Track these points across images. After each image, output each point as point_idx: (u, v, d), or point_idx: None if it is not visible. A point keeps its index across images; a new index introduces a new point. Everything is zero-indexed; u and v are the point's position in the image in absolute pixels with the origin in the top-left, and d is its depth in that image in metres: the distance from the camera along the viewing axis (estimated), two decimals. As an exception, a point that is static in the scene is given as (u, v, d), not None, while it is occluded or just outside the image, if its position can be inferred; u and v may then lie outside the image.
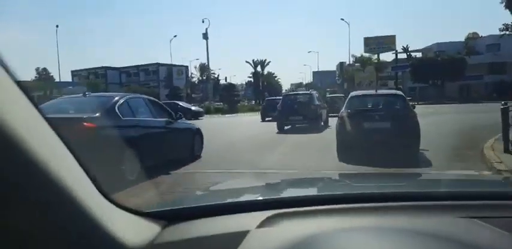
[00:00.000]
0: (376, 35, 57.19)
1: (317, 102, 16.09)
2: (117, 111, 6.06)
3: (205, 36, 34.73)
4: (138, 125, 6.42)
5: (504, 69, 45.55)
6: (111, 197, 0.90)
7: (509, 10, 23.86)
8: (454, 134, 10.82)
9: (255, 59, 69.46)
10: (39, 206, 0.67)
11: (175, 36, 58.88)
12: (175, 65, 60.05)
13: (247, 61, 69.35)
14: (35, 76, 65.97)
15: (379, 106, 8.77)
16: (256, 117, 24.54)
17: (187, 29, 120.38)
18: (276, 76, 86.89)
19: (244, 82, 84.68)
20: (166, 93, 51.35)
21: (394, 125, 7.84)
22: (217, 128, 16.22)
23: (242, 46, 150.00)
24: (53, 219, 0.70)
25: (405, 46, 58.78)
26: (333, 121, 14.06)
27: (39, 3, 73.12)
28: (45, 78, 61.24)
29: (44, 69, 67.86)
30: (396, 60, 53.28)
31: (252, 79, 73.04)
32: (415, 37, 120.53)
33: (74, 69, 65.35)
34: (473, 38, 52.05)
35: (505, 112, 7.75)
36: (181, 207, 1.27)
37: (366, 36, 57.18)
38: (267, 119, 21.19)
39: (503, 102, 8.39)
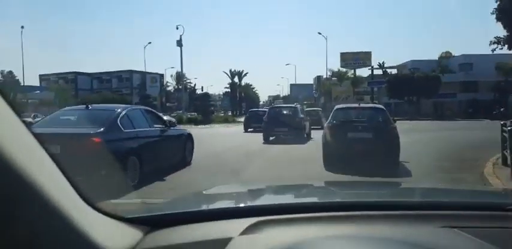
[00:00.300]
0: (352, 51, 58.14)
1: (301, 115, 17.00)
2: (119, 124, 6.54)
3: (179, 43, 33.71)
4: (137, 136, 6.87)
5: (476, 88, 46.76)
6: (93, 203, 0.92)
7: (501, 22, 22.85)
8: (445, 155, 10.29)
9: (233, 70, 68.81)
10: (18, 209, 0.68)
11: (149, 43, 57.54)
12: (149, 72, 58.65)
13: (224, 72, 68.89)
14: (-1, 79, 62.85)
15: (362, 118, 9.31)
16: (235, 128, 25.09)
17: (163, 37, 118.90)
18: (253, 88, 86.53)
19: (222, 93, 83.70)
20: (136, 101, 49.65)
21: (376, 136, 8.49)
22: (203, 139, 15.99)
23: (220, 56, 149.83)
24: (30, 224, 0.70)
25: (381, 62, 59.72)
26: (314, 133, 16.26)
27: (7, 4, 70.27)
28: (11, 81, 58.32)
29: (10, 72, 64.76)
30: (372, 75, 53.95)
31: (229, 90, 72.18)
32: (390, 54, 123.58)
33: (42, 73, 62.58)
34: (446, 56, 53.48)
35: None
36: (164, 213, 1.27)
37: (343, 51, 58.08)
38: (249, 130, 22.42)
39: (502, 122, 7.89)
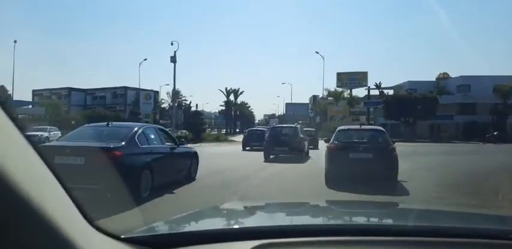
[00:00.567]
0: (348, 71, 57.90)
1: (301, 135, 17.81)
2: (136, 140, 7.18)
3: (173, 59, 32.86)
4: (151, 152, 7.54)
5: (474, 110, 46.03)
6: (92, 221, 0.92)
7: None
8: (467, 188, 8.91)
9: (228, 88, 68.16)
10: (22, 230, 0.69)
11: (145, 59, 57.52)
12: (143, 89, 57.88)
13: (220, 90, 68.28)
14: (-10, 94, 62.03)
15: (363, 139, 9.90)
16: (229, 146, 26.05)
17: (160, 54, 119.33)
18: (249, 107, 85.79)
19: (217, 111, 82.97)
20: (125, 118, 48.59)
21: (376, 156, 8.97)
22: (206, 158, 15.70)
23: (216, 74, 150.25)
24: (33, 243, 0.70)
25: (377, 82, 59.33)
26: (310, 153, 17.72)
27: (1, 18, 70.28)
28: (2, 96, 57.53)
29: (1, 87, 64.02)
30: (368, 95, 53.52)
31: (224, 108, 71.35)
32: (387, 74, 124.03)
33: (36, 88, 61.75)
34: (443, 77, 53.06)
35: None
36: (165, 233, 1.29)
37: (339, 71, 57.86)
38: (247, 148, 23.30)
39: None
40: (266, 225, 1.44)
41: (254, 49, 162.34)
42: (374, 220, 1.66)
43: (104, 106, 59.34)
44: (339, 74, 58.53)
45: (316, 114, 63.09)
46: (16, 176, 0.65)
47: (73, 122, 49.37)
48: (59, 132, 28.52)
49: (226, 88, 68.02)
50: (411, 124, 44.76)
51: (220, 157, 17.48)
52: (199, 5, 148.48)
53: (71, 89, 61.99)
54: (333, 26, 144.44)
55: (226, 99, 68.03)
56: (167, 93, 67.62)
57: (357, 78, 57.67)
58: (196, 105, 61.05)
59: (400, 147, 10.81)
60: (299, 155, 16.45)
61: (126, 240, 1.03)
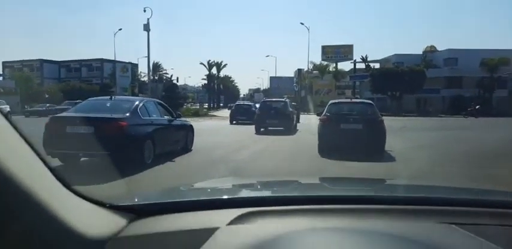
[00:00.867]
0: (334, 44, 56.38)
1: (290, 109, 18.81)
2: (138, 112, 7.87)
3: (146, 27, 30.59)
4: (152, 123, 8.19)
5: (461, 84, 45.53)
6: (75, 189, 0.92)
7: None
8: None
9: (211, 61, 65.68)
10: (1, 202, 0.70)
11: (120, 29, 54.23)
12: (119, 61, 55.15)
13: (201, 63, 65.81)
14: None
15: (353, 112, 10.43)
16: (209, 122, 26.15)
17: (137, 23, 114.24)
18: (233, 81, 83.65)
19: (201, 85, 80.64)
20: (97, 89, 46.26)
21: (365, 127, 9.62)
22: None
23: (199, 47, 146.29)
24: (6, 208, 0.71)
25: (363, 56, 58.07)
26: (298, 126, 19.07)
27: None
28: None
29: (-31, 58, 60.41)
30: (354, 69, 52.63)
31: (206, 82, 69.17)
32: (373, 47, 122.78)
33: (6, 60, 58.40)
34: (431, 51, 52.09)
35: None
36: (152, 202, 1.27)
37: (325, 44, 56.29)
38: (234, 122, 24.10)
39: None
40: (254, 196, 1.43)
41: (237, 21, 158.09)
42: (363, 191, 1.61)
43: (79, 79, 56.85)
44: (323, 47, 57.18)
45: (301, 88, 61.81)
46: None
47: (46, 95, 47.10)
48: (7, 106, 27.57)
49: (208, 61, 65.75)
50: (398, 98, 44.02)
51: (209, 132, 16.76)
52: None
53: (43, 61, 59.18)
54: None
55: (208, 72, 65.81)
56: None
57: (343, 51, 56.53)
58: (177, 78, 59.01)
59: (388, 122, 10.93)
60: (288, 128, 17.42)
61: (111, 208, 1.03)
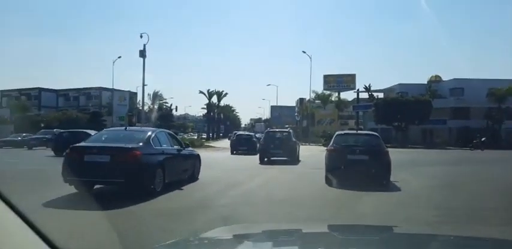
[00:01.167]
0: (336, 73, 55.70)
1: (294, 139, 19.29)
2: (151, 142, 8.45)
3: (142, 53, 29.59)
4: (163, 153, 8.77)
5: (468, 114, 44.03)
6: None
7: None
8: None
9: (210, 89, 64.74)
10: None
11: (119, 57, 53.40)
12: (117, 90, 54.20)
13: (201, 91, 64.86)
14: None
15: (359, 143, 10.81)
16: (205, 153, 25.31)
17: (136, 52, 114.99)
18: (234, 110, 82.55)
19: (202, 114, 79.47)
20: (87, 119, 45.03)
21: (371, 158, 10.07)
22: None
23: (200, 77, 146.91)
24: None
25: (367, 85, 57.09)
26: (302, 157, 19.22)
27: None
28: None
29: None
30: (358, 99, 51.42)
31: (206, 111, 67.88)
32: (377, 77, 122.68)
33: (4, 88, 57.86)
34: (436, 80, 51.24)
35: None
36: None
37: (327, 73, 55.66)
38: (234, 152, 24.56)
39: None
40: None
41: (239, 50, 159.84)
42: None
43: (77, 108, 55.88)
44: (325, 76, 56.68)
45: (303, 118, 60.55)
46: None
47: (42, 124, 45.96)
48: None
49: (208, 90, 64.92)
50: (403, 129, 42.51)
51: (213, 160, 17.00)
52: (180, 1, 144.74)
53: (41, 89, 58.95)
54: (320, 27, 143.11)
55: (208, 101, 64.81)
56: (148, 95, 64.21)
57: (345, 81, 55.92)
58: (176, 107, 57.96)
59: (395, 155, 11.45)
60: (292, 158, 17.82)
61: None
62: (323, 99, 59.15)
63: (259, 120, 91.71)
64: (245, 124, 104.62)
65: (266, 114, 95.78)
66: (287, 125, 62.18)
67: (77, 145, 8.71)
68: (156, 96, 63.03)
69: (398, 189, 9.40)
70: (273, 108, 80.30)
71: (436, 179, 11.60)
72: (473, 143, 35.59)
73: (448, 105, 46.24)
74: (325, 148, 11.47)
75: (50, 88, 60.46)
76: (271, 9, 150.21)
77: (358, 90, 54.24)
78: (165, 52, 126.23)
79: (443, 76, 52.51)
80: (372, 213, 6.49)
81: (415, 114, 40.03)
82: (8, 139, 30.79)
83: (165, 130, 10.66)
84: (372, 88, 57.31)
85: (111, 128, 10.02)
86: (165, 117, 38.13)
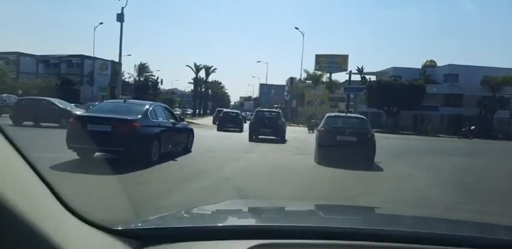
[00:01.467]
0: (328, 53, 53.98)
1: (283, 119, 20.50)
2: (148, 114, 9.17)
3: (119, 17, 27.30)
4: (159, 125, 9.58)
5: (461, 102, 43.15)
6: (80, 214, 0.91)
7: None
8: None
9: (199, 64, 62.28)
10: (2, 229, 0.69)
11: (101, 23, 50.82)
12: (98, 58, 51.56)
13: (188, 65, 62.47)
14: None
15: (348, 125, 11.78)
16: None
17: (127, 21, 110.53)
18: (223, 86, 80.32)
19: (190, 90, 77.09)
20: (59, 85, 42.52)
21: (359, 140, 10.91)
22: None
23: (189, 50, 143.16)
24: (12, 237, 0.71)
25: (359, 67, 55.57)
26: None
27: None
28: None
29: None
30: (350, 80, 50.22)
31: (193, 86, 65.65)
32: (370, 59, 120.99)
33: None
34: (430, 65, 50.07)
35: None
36: (158, 227, 1.24)
37: (319, 53, 53.86)
38: (222, 129, 24.89)
39: None
40: (265, 225, 1.45)
41: (230, 25, 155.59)
42: (369, 224, 1.62)
43: (58, 75, 53.12)
44: (317, 56, 55.32)
45: (292, 97, 58.99)
46: None
47: (20, 91, 43.56)
48: None
49: (195, 64, 62.50)
50: (394, 113, 41.38)
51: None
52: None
53: (20, 54, 55.83)
54: (315, 6, 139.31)
55: (195, 76, 62.55)
56: (134, 66, 61.56)
57: (337, 62, 54.66)
58: (161, 80, 56.18)
59: (386, 140, 12.05)
60: (281, 137, 19.06)
61: (116, 233, 1.01)
62: (314, 79, 57.59)
63: (248, 99, 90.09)
64: (234, 102, 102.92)
65: (256, 93, 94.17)
66: (276, 105, 60.66)
67: (81, 114, 9.85)
68: (142, 68, 60.59)
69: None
70: (262, 86, 78.63)
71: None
72: (461, 131, 35.18)
73: (442, 91, 45.46)
74: (308, 130, 12.23)
75: (30, 53, 57.49)
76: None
77: (350, 71, 53.03)
78: (153, 23, 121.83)
79: (439, 62, 51.36)
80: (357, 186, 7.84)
81: (408, 99, 39.04)
82: None
83: (162, 104, 11.33)
84: (364, 71, 56.02)
85: (111, 101, 11.17)
86: (139, 88, 35.86)
